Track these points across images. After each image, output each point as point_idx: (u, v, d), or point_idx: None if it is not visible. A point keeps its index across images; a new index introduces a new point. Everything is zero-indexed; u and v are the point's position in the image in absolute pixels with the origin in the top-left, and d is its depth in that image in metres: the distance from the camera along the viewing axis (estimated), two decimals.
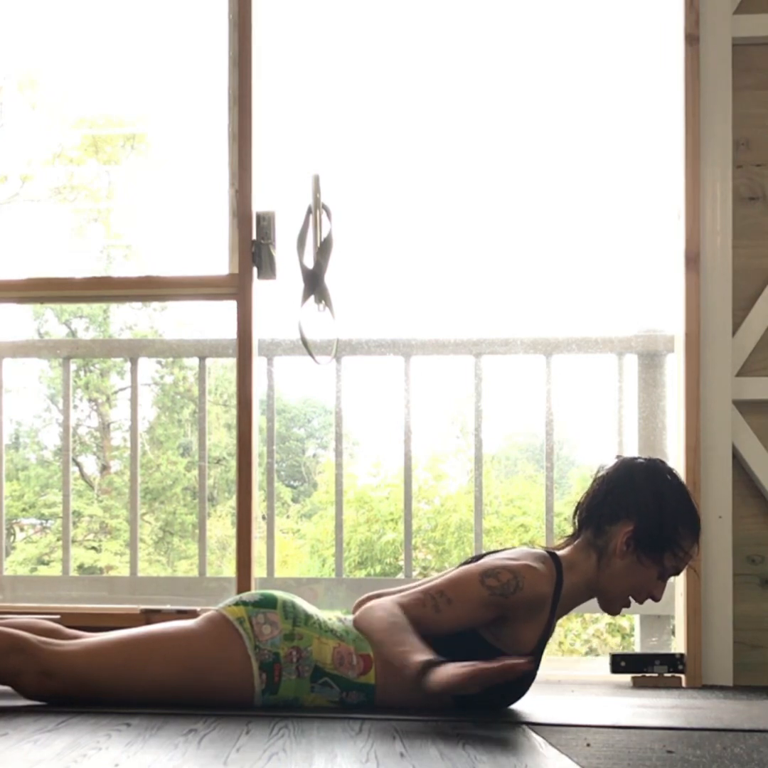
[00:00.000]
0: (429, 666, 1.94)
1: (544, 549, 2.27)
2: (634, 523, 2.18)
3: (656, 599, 2.24)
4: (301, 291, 3.00)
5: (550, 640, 2.27)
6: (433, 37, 7.20)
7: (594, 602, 2.29)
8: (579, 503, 2.29)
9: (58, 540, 7.34)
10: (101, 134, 8.41)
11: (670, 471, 2.26)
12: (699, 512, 2.25)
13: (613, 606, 2.25)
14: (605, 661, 3.00)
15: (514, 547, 2.31)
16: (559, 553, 2.25)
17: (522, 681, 2.21)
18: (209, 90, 3.22)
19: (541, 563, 2.18)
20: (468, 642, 2.14)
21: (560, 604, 2.20)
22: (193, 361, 4.29)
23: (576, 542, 2.26)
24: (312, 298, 2.99)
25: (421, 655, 1.98)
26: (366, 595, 2.40)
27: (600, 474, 2.28)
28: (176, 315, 8.95)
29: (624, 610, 2.28)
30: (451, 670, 1.92)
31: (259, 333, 3.05)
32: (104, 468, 9.00)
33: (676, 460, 2.99)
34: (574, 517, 2.29)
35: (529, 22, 6.99)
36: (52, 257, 8.12)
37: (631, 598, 2.24)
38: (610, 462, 2.30)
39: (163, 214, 8.17)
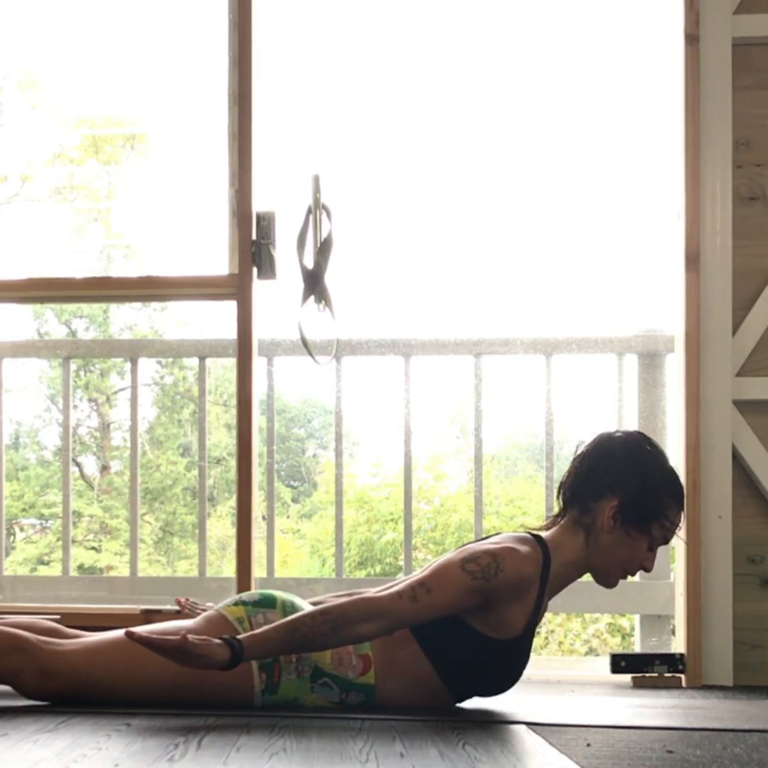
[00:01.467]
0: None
1: (527, 531, 2.27)
2: (619, 497, 2.18)
3: (648, 570, 2.25)
4: (301, 291, 3.00)
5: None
6: (433, 37, 7.20)
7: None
8: (561, 483, 2.28)
9: (58, 540, 7.33)
10: (101, 134, 8.41)
11: (648, 441, 2.26)
12: (680, 480, 2.25)
13: (608, 580, 2.25)
14: (605, 661, 3.00)
15: (499, 533, 2.31)
16: (545, 534, 2.24)
17: (515, 665, 2.21)
18: (209, 90, 3.22)
19: (523, 545, 2.17)
20: (454, 630, 2.14)
21: (549, 585, 2.20)
22: (193, 361, 4.29)
23: (562, 522, 2.25)
24: (312, 298, 3.00)
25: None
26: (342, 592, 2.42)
27: (580, 452, 2.27)
28: (176, 315, 8.95)
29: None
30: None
31: (259, 333, 3.05)
32: (104, 468, 8.99)
33: (676, 460, 2.98)
34: (557, 497, 2.28)
35: (529, 22, 6.99)
36: (52, 257, 8.12)
37: (624, 571, 2.25)
38: (588, 439, 2.29)
39: (163, 214, 8.17)
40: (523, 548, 2.16)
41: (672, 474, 2.23)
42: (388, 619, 2.06)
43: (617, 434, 2.28)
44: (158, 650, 1.95)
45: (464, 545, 2.27)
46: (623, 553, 2.21)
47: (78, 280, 3.18)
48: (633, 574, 2.26)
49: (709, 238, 2.94)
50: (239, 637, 1.99)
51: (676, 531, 2.24)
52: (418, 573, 2.19)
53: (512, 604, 2.14)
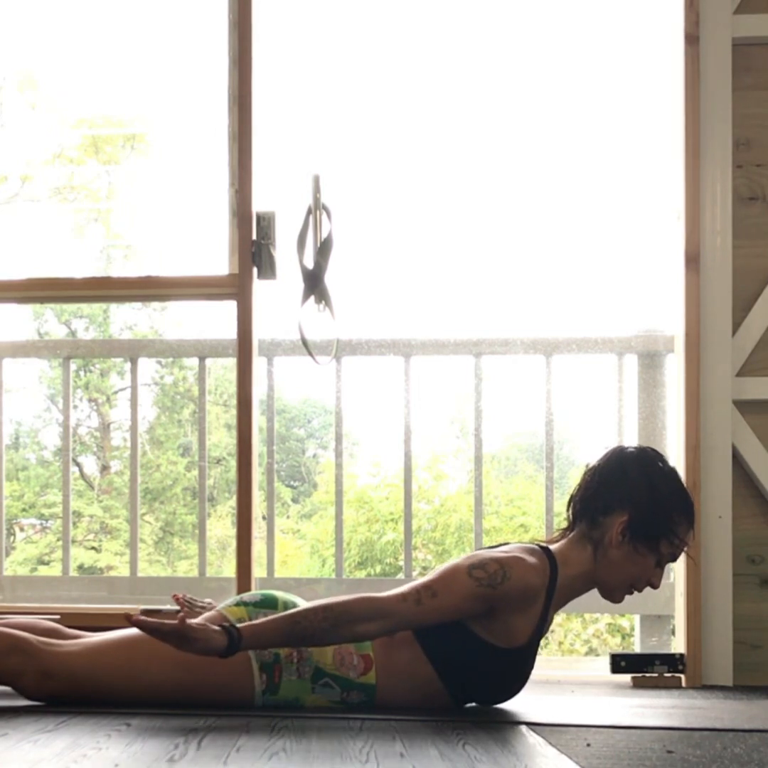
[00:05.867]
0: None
1: (536, 543, 2.27)
2: (629, 513, 2.18)
3: (655, 587, 2.24)
4: (301, 291, 3.00)
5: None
6: (433, 37, 7.20)
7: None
8: (572, 496, 2.28)
9: (58, 540, 7.33)
10: (101, 134, 8.41)
11: (661, 458, 2.25)
12: (692, 498, 2.24)
13: (613, 596, 2.25)
14: (605, 661, 3.00)
15: (507, 543, 2.31)
16: (554, 547, 2.25)
17: (518, 676, 2.21)
18: (209, 90, 3.22)
19: (531, 555, 2.17)
20: (458, 635, 2.13)
21: (555, 597, 2.20)
22: (193, 361, 4.29)
23: (571, 535, 2.25)
24: (312, 298, 2.99)
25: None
26: None
27: (591, 465, 2.27)
28: (176, 315, 8.96)
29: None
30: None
31: (259, 333, 3.04)
32: (104, 468, 9.00)
33: (676, 460, 2.98)
34: (567, 510, 2.28)
35: (530, 22, 6.99)
36: (52, 257, 8.13)
37: (631, 586, 2.24)
38: (601, 453, 2.29)
39: (163, 214, 8.18)
40: (531, 559, 2.16)
41: (683, 492, 2.22)
42: (391, 620, 2.06)
43: (630, 449, 2.28)
44: (156, 633, 1.94)
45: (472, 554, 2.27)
46: (631, 569, 2.20)
47: (78, 280, 3.18)
48: (640, 590, 2.24)
49: (709, 238, 2.94)
50: (239, 626, 1.99)
51: (686, 548, 2.24)
52: (425, 577, 2.19)
53: (517, 613, 2.14)
